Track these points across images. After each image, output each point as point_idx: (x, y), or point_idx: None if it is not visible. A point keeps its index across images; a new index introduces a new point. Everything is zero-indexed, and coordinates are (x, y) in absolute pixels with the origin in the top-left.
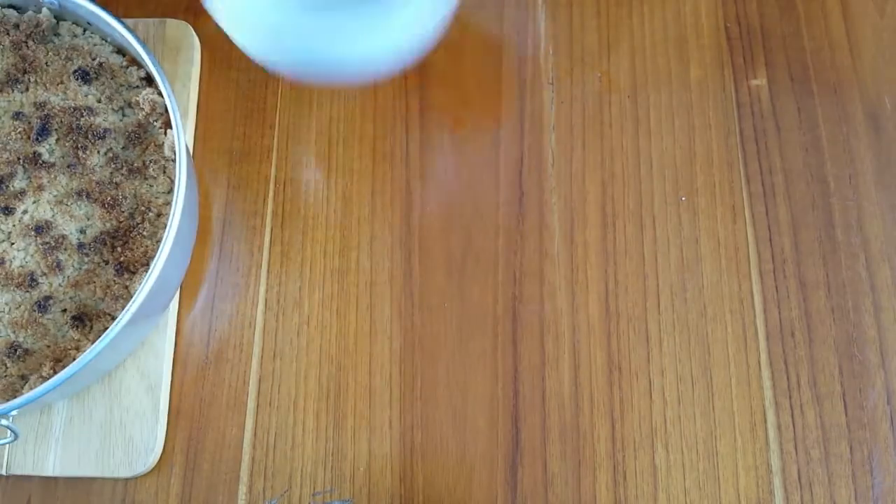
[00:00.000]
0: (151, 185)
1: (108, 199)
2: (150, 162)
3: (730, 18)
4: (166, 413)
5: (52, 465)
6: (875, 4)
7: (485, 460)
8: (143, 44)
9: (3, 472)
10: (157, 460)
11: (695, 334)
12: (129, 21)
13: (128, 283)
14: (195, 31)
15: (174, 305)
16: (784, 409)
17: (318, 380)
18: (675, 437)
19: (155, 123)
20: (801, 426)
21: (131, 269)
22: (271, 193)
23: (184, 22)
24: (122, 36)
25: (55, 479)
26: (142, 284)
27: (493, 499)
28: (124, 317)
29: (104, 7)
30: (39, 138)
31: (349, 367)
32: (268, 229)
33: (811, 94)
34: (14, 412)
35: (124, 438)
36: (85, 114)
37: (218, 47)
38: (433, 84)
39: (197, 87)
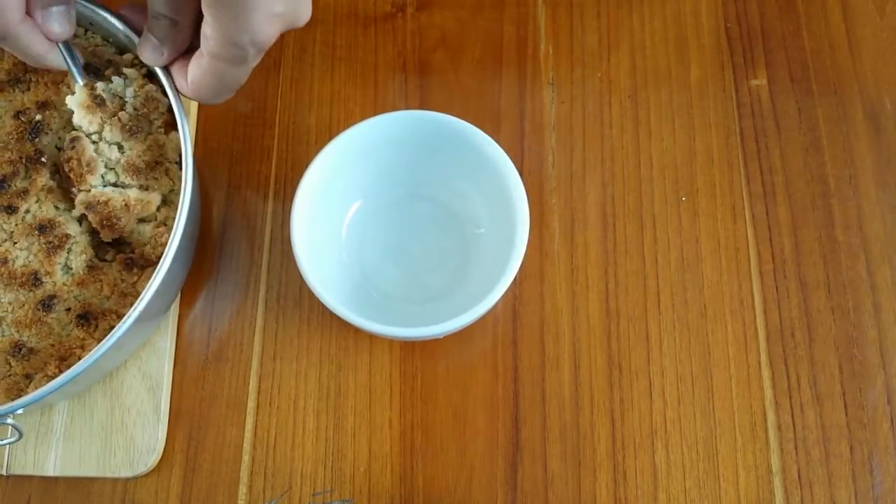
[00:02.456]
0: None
1: None
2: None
3: (730, 18)
4: (167, 413)
5: (53, 464)
6: (875, 4)
7: (485, 460)
8: None
9: (4, 472)
10: (157, 460)
11: (695, 334)
12: None
13: (135, 281)
14: None
15: (175, 305)
16: (784, 409)
17: (318, 380)
18: (675, 437)
19: (154, 122)
20: (801, 426)
21: (138, 266)
22: (271, 193)
23: None
24: (126, 37)
25: (56, 478)
26: (150, 282)
27: (493, 499)
28: (132, 314)
29: (107, 7)
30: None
31: (349, 367)
32: (268, 229)
33: (811, 94)
34: (19, 411)
35: (125, 438)
36: None
37: None
38: (433, 84)
39: None
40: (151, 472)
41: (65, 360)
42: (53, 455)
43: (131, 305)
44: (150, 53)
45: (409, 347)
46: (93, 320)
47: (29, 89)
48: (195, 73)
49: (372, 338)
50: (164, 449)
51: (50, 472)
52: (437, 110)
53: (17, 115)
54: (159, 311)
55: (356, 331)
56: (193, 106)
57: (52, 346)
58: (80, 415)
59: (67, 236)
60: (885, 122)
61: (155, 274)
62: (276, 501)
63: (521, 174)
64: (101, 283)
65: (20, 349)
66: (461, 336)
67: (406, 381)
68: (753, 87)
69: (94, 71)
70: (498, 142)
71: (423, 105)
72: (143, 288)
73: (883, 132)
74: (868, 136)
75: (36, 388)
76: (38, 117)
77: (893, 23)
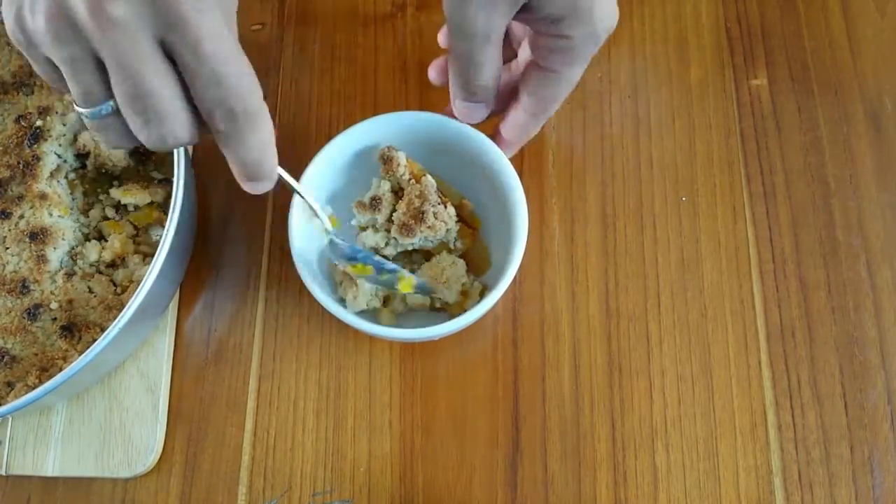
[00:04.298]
0: None
1: None
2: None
3: (730, 18)
4: (166, 413)
5: (52, 465)
6: (875, 4)
7: (485, 460)
8: None
9: (3, 473)
10: (156, 460)
11: (695, 334)
12: None
13: (121, 294)
14: None
15: (174, 306)
16: (784, 410)
17: (318, 380)
18: (676, 437)
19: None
20: (801, 426)
21: (124, 284)
22: (271, 193)
23: None
24: None
25: (55, 479)
26: (132, 300)
27: (493, 499)
28: (111, 332)
29: None
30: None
31: (349, 367)
32: (268, 229)
33: (812, 94)
34: None
35: (124, 439)
36: None
37: None
38: (433, 84)
39: None
40: (151, 472)
41: (46, 371)
42: (52, 455)
43: (115, 318)
44: (478, 114)
45: (409, 348)
46: (76, 332)
47: (32, 93)
48: (535, 106)
49: (372, 338)
50: (164, 449)
51: (49, 473)
52: (437, 110)
53: (17, 120)
54: (147, 322)
55: (356, 331)
56: None
57: (35, 355)
58: (79, 415)
59: (58, 246)
60: (885, 122)
61: (138, 291)
62: (276, 501)
63: (520, 174)
64: (88, 295)
65: (3, 357)
66: (461, 336)
67: (406, 382)
68: (754, 87)
69: None
70: (499, 141)
71: (423, 105)
72: (128, 301)
73: (883, 132)
74: (868, 136)
75: (16, 397)
76: (39, 123)
77: (894, 23)
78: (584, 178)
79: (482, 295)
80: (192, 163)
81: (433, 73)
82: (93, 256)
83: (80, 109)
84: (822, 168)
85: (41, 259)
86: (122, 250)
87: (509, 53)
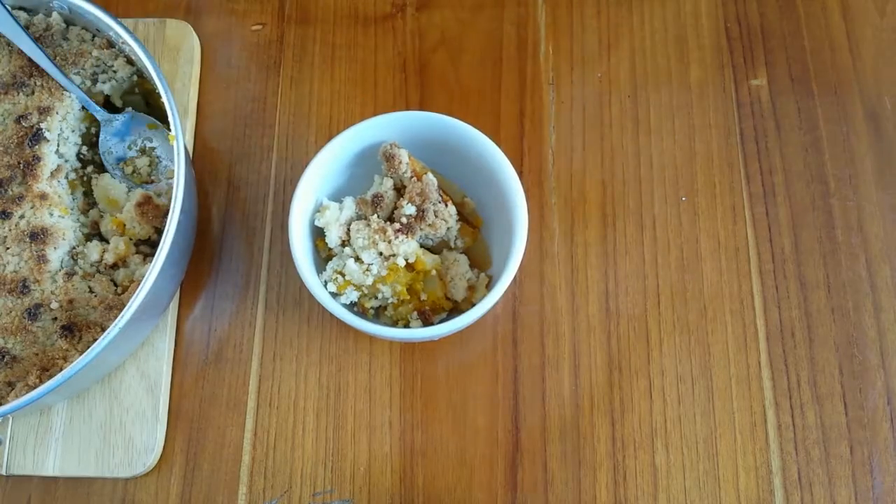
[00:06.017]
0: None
1: None
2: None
3: (730, 18)
4: (166, 413)
5: (52, 465)
6: (875, 4)
7: (485, 460)
8: (143, 46)
9: (3, 472)
10: (157, 460)
11: (695, 334)
12: (129, 21)
13: (122, 294)
14: (195, 30)
15: (174, 305)
16: (784, 410)
17: (318, 380)
18: (676, 438)
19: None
20: (801, 426)
21: (125, 283)
22: (271, 193)
23: (184, 22)
24: (117, 34)
25: (55, 479)
26: (132, 299)
27: (493, 499)
28: (111, 332)
29: (103, 8)
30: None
31: (349, 367)
32: (268, 229)
33: (811, 95)
34: None
35: (124, 439)
36: None
37: (218, 47)
38: (433, 84)
39: (197, 87)
40: (151, 472)
41: (47, 371)
42: (52, 455)
43: (116, 318)
44: None
45: (409, 348)
46: (77, 332)
47: (33, 93)
48: None
49: (372, 338)
50: (164, 449)
51: (49, 472)
52: (437, 110)
53: (18, 120)
54: (147, 323)
55: (356, 331)
56: (192, 105)
57: (36, 355)
58: (79, 415)
59: (58, 246)
60: (885, 122)
61: (137, 292)
62: (276, 501)
63: (520, 174)
64: (88, 295)
65: (3, 356)
66: (461, 336)
67: (406, 382)
68: (753, 87)
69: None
70: (498, 142)
71: (423, 105)
72: (129, 300)
73: (883, 132)
74: (868, 137)
75: (17, 396)
76: (42, 125)
77: (893, 23)
78: (584, 178)
79: (489, 287)
80: (192, 163)
81: None
82: (94, 256)
83: None
84: (821, 168)
85: (41, 259)
86: (126, 252)
87: None
